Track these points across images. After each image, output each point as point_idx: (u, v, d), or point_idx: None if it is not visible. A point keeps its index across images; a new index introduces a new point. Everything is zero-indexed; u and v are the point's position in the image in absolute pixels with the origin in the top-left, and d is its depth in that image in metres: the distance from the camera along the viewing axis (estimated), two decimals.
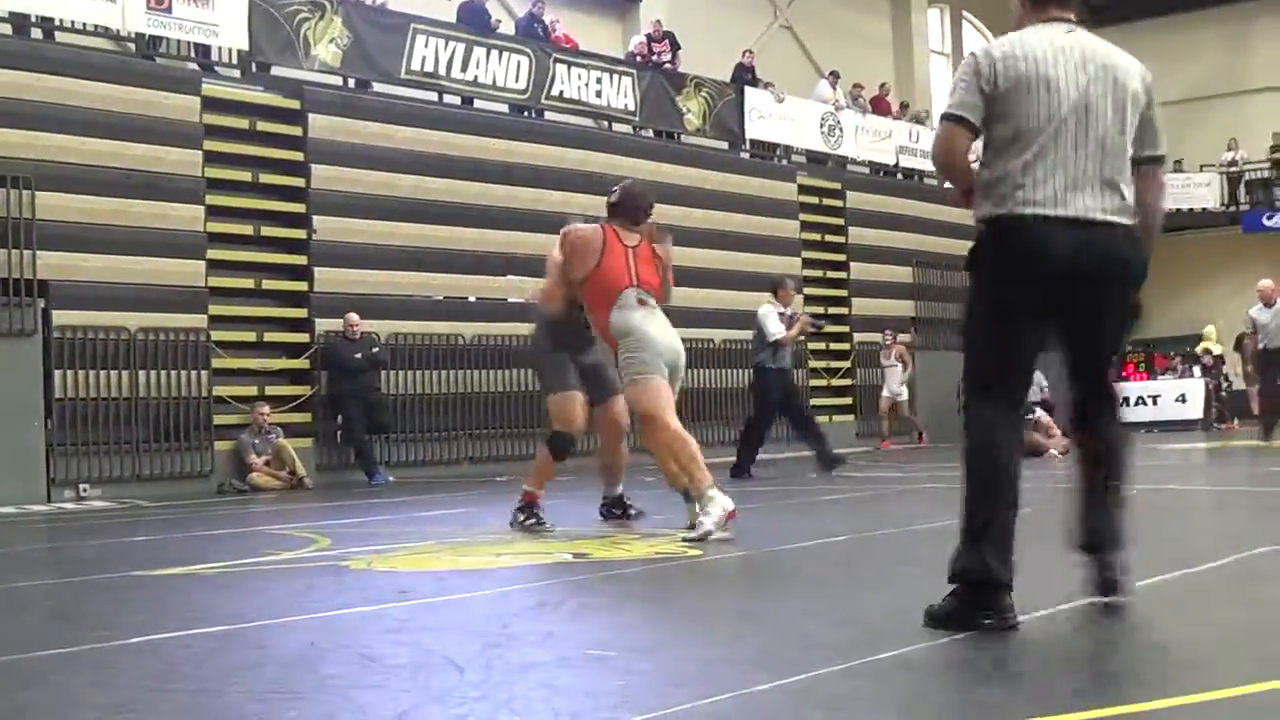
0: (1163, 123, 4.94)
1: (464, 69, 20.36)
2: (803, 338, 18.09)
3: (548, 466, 9.49)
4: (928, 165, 28.75)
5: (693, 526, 8.25)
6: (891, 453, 22.67)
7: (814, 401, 24.67)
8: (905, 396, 24.70)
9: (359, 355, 17.67)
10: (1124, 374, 30.77)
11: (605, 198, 9.23)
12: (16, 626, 6.02)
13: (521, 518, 9.30)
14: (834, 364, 25.65)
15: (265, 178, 18.17)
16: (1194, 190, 35.17)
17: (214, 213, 17.37)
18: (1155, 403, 29.44)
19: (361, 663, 4.63)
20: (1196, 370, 30.42)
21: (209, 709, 3.98)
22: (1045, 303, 4.74)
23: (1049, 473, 14.77)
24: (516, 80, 21.07)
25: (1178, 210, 31.70)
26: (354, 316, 17.66)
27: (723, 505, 8.14)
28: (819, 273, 25.78)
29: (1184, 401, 29.35)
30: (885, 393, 24.67)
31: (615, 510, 9.74)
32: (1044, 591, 5.15)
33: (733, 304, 23.18)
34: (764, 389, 15.66)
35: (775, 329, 15.30)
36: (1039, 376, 22.93)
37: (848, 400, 25.84)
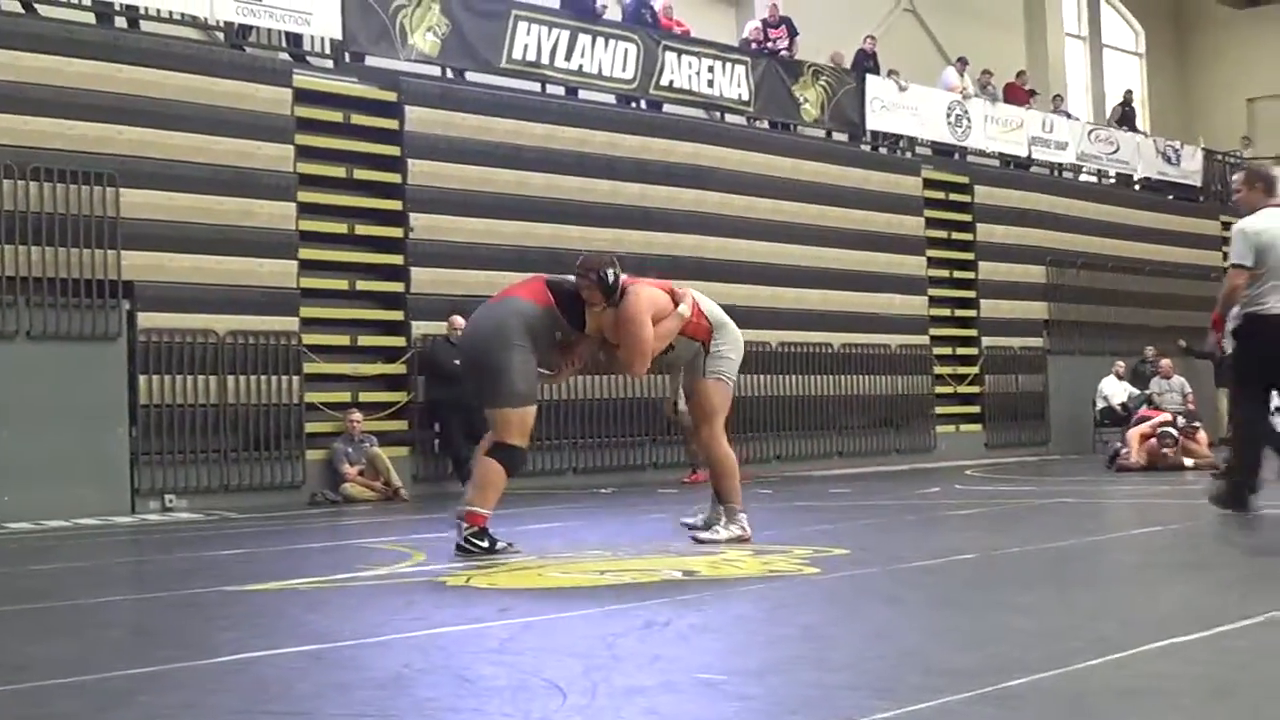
0: None
1: (568, 58, 20.37)
2: None
3: (500, 482, 8.82)
4: (1062, 157, 28.45)
5: (705, 526, 9.30)
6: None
7: (939, 410, 24.53)
8: None
9: (459, 360, 17.59)
10: None
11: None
12: (103, 644, 6.12)
13: (484, 545, 8.68)
14: (960, 370, 25.39)
15: (360, 173, 18.27)
16: None
17: (306, 210, 17.46)
18: None
19: (459, 684, 4.67)
20: None
21: None
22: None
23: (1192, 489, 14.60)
24: (623, 69, 21.08)
25: None
26: (459, 319, 17.53)
27: (742, 529, 9.18)
28: (945, 272, 25.49)
29: None
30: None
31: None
32: (1186, 618, 5.08)
33: (852, 306, 23.08)
34: None
35: None
36: (1183, 384, 22.76)
37: (975, 409, 25.55)
